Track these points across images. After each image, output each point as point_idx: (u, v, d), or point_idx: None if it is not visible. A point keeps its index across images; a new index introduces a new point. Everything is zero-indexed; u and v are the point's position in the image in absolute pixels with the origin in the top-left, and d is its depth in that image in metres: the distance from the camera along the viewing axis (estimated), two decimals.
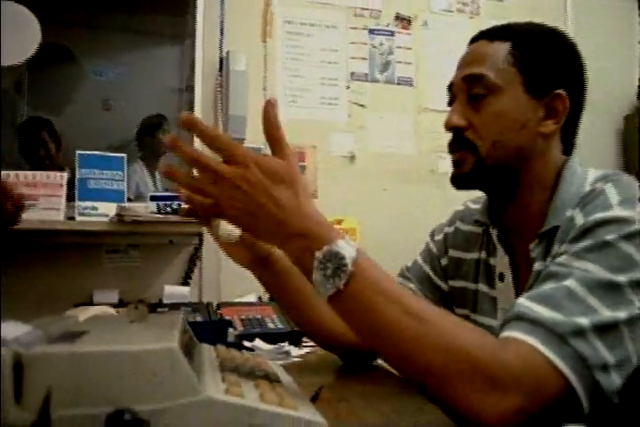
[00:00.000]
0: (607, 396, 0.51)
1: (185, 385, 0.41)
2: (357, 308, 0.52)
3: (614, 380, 0.51)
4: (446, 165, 2.01)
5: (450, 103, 0.76)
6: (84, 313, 0.73)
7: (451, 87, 0.76)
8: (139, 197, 1.75)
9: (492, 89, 0.70)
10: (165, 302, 1.30)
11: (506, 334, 0.53)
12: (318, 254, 0.52)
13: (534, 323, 0.52)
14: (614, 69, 2.32)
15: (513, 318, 0.54)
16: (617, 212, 0.58)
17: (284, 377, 0.57)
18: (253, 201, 0.53)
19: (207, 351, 0.58)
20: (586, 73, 0.74)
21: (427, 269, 0.87)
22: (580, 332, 0.51)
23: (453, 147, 0.74)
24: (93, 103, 2.29)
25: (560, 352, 0.50)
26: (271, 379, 0.53)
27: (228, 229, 0.68)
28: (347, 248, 0.52)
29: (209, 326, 0.95)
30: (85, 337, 0.45)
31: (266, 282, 0.78)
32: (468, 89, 0.72)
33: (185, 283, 1.64)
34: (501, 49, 0.71)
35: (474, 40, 0.76)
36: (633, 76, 2.22)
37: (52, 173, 1.43)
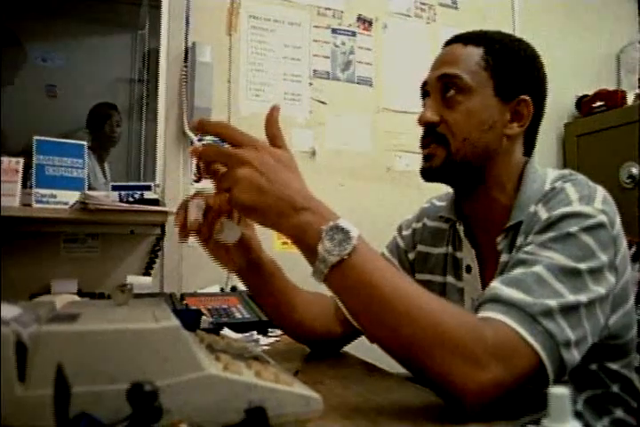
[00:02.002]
0: (565, 371, 0.57)
1: (188, 363, 0.43)
2: (356, 280, 0.55)
3: (575, 356, 0.57)
4: (402, 163, 2.11)
5: (423, 97, 0.80)
6: (59, 299, 0.72)
7: (424, 85, 0.80)
8: (88, 189, 1.71)
9: (465, 89, 0.74)
10: None
11: (482, 314, 0.58)
12: (325, 227, 0.55)
13: (508, 304, 0.57)
14: (555, 79, 2.47)
15: (488, 299, 0.59)
16: (577, 207, 0.65)
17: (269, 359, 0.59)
18: (263, 177, 0.56)
19: (191, 336, 0.60)
20: (546, 82, 0.81)
21: (394, 261, 0.91)
22: (548, 312, 0.56)
23: (426, 141, 0.77)
24: (37, 90, 2.19)
25: (531, 330, 0.55)
26: (261, 360, 0.56)
27: (229, 232, 0.68)
28: (350, 226, 0.56)
29: (183, 315, 0.95)
30: (83, 318, 0.46)
31: (252, 285, 0.79)
32: (442, 87, 0.76)
33: (146, 274, 1.61)
34: (475, 53, 0.75)
35: (448, 43, 0.80)
36: (572, 86, 2.38)
37: (5, 159, 1.37)
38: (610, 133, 2.16)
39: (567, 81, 2.35)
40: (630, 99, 2.22)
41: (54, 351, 0.39)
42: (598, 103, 2.28)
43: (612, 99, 2.23)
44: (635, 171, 2.02)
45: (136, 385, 0.37)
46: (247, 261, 0.75)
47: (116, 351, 0.41)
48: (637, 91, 2.23)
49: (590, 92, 2.35)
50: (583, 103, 2.36)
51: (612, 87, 2.38)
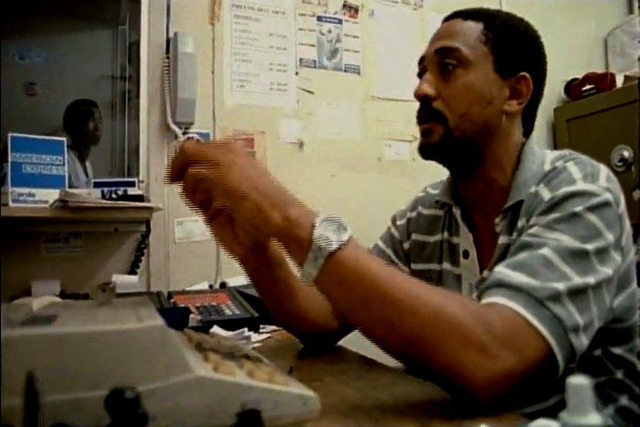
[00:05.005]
0: (574, 358, 0.54)
1: (175, 364, 0.40)
2: (354, 270, 0.52)
3: (583, 341, 0.54)
4: (392, 152, 2.08)
5: (420, 76, 0.77)
6: (37, 301, 0.68)
7: (421, 61, 0.77)
8: (70, 187, 1.66)
9: (464, 62, 0.72)
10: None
11: (488, 299, 0.55)
12: (317, 218, 0.54)
13: (514, 289, 0.55)
14: None
15: (493, 284, 0.57)
16: (581, 186, 0.63)
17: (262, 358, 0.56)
18: (251, 169, 0.55)
19: (178, 335, 0.57)
20: (546, 62, 0.78)
21: (389, 252, 0.89)
22: (556, 296, 0.54)
23: (422, 116, 0.75)
24: (16, 88, 2.13)
25: (539, 315, 0.53)
26: (252, 359, 0.53)
27: None
28: (341, 219, 0.54)
29: (170, 313, 0.92)
30: (60, 320, 0.42)
31: (255, 272, 0.74)
32: (440, 60, 0.73)
33: (132, 272, 1.57)
34: (474, 28, 0.74)
35: (447, 19, 0.79)
36: (561, 71, 2.36)
37: None
38: (600, 117, 2.15)
39: (555, 65, 2.30)
40: (619, 81, 2.20)
41: (25, 357, 0.36)
42: (588, 87, 2.26)
43: (602, 82, 2.21)
44: (626, 154, 2.00)
45: (115, 392, 0.34)
46: (254, 242, 0.69)
47: (96, 355, 0.38)
48: (627, 73, 2.21)
49: (579, 76, 2.33)
50: (572, 87, 2.34)
51: (600, 70, 2.36)
